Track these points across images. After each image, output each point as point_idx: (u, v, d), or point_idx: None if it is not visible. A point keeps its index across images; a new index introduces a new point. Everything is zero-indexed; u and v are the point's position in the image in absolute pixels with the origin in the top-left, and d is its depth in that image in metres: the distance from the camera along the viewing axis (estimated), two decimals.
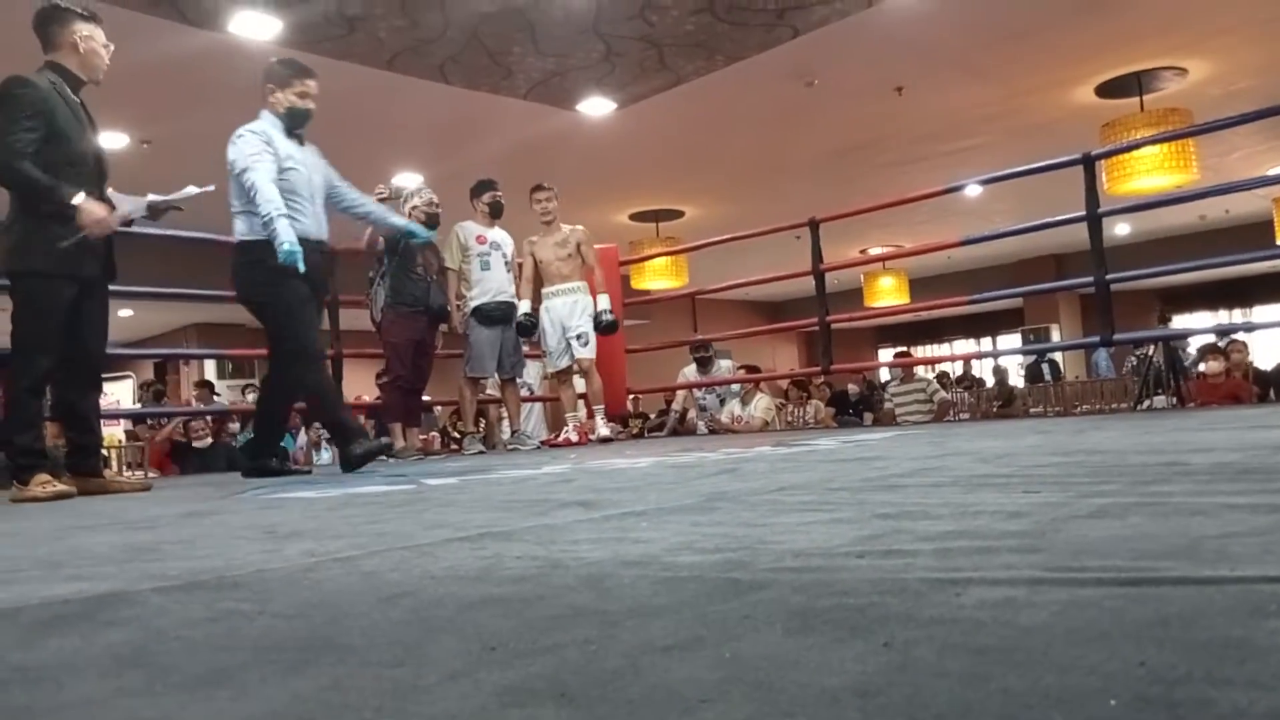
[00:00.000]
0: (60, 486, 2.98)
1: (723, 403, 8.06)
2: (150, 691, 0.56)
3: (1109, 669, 0.48)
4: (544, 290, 5.49)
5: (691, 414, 8.30)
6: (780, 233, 6.37)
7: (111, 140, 6.61)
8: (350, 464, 3.46)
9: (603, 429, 5.57)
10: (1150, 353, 7.71)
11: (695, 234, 10.20)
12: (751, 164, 9.13)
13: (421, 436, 7.71)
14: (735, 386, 7.96)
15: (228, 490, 2.97)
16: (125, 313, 10.07)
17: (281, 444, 7.44)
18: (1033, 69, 7.16)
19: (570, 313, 5.48)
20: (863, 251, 13.58)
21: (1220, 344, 7.43)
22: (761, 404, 7.61)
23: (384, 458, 3.50)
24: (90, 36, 3.12)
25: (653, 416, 9.94)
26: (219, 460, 6.64)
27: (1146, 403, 7.89)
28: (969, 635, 0.55)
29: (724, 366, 8.13)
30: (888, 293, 13.20)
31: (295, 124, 3.65)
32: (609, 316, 5.50)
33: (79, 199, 2.92)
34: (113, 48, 3.20)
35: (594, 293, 5.51)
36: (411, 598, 0.79)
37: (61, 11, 3.12)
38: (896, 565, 0.76)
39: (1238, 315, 15.28)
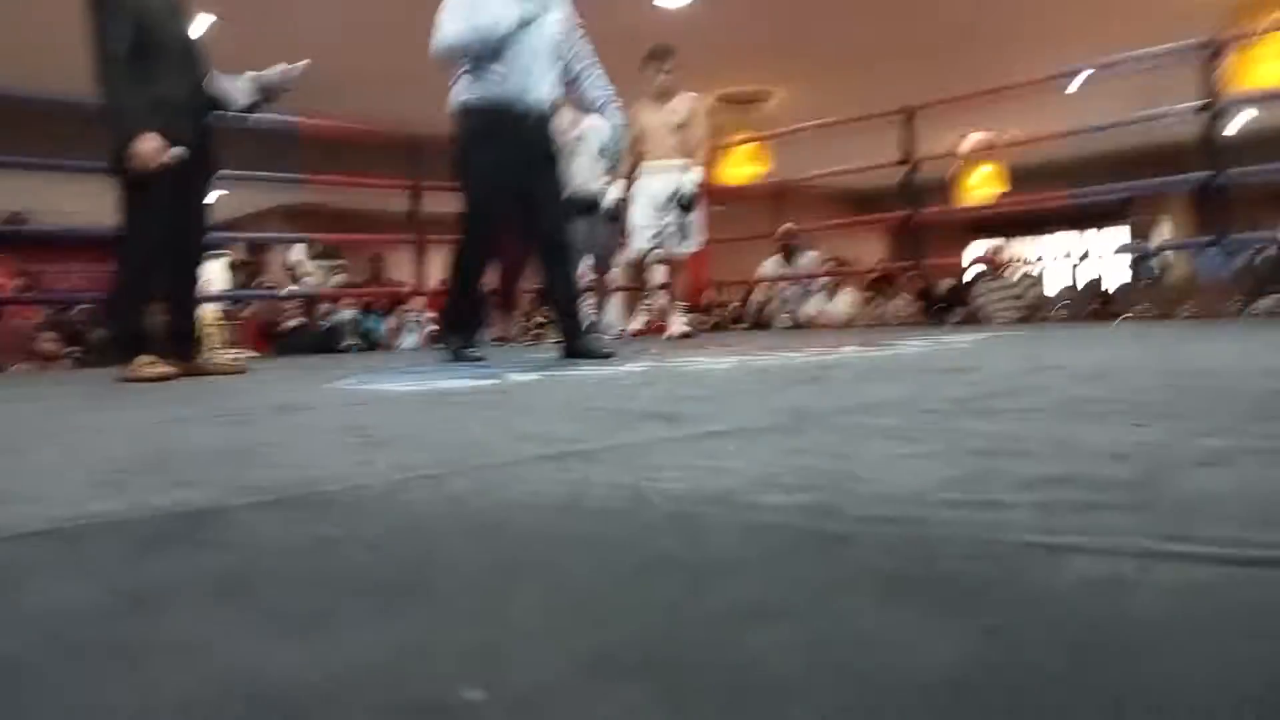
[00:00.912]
0: (163, 368, 3.09)
1: (806, 295, 7.95)
2: (246, 632, 0.57)
3: (1224, 670, 0.45)
4: (643, 164, 5.02)
5: (773, 305, 8.22)
6: (872, 119, 6.12)
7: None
8: (447, 356, 3.49)
9: (682, 325, 5.30)
10: (1267, 251, 7.28)
11: (784, 120, 9.86)
12: (840, 47, 8.72)
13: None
14: (820, 279, 7.83)
15: (317, 377, 3.06)
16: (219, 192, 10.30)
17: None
18: None
19: (669, 195, 4.98)
20: (962, 136, 12.97)
21: None
22: (846, 298, 7.48)
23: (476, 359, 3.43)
24: None
25: (733, 305, 9.86)
26: (306, 341, 6.84)
27: (1257, 303, 7.51)
28: (1073, 620, 0.52)
29: (810, 256, 7.99)
30: (985, 182, 12.66)
31: None
32: (688, 193, 4.98)
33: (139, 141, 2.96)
34: None
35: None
36: (497, 532, 0.79)
37: None
38: (992, 521, 0.73)
39: None
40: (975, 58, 8.98)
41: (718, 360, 3.03)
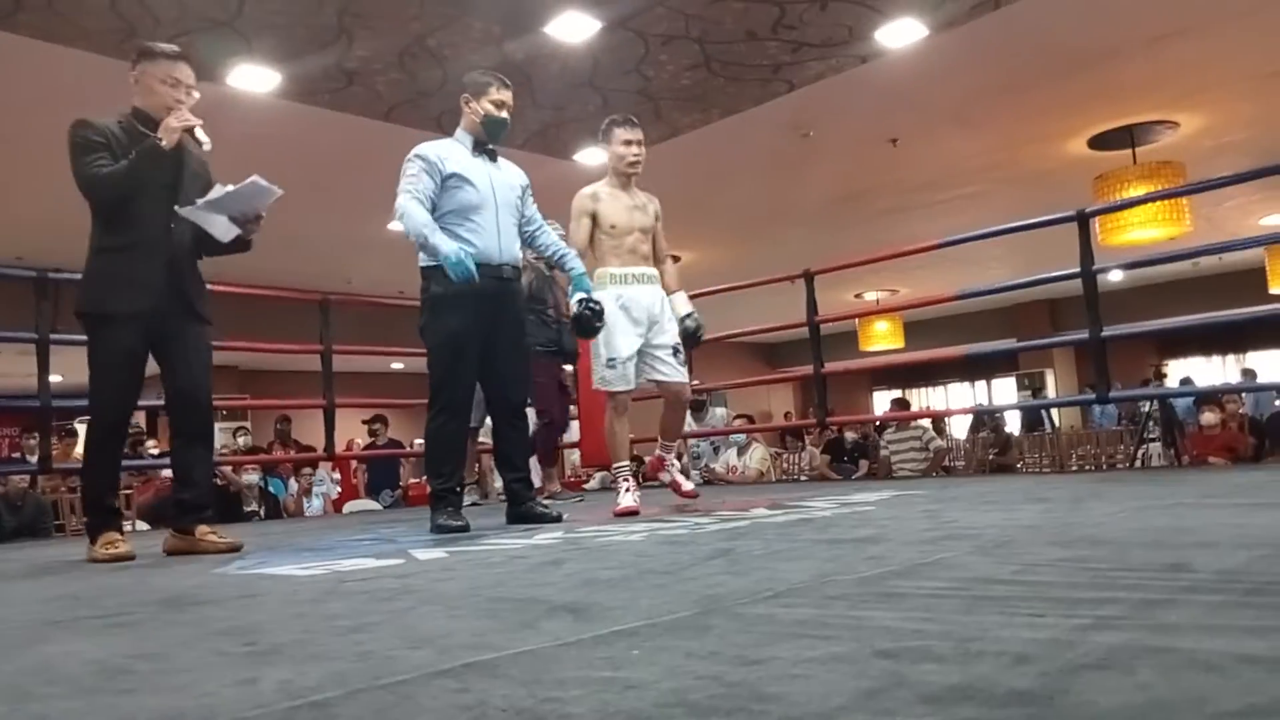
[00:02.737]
0: (122, 549, 2.89)
1: (717, 451, 8.03)
2: None
3: None
4: (611, 270, 3.79)
5: (684, 460, 8.26)
6: (776, 283, 6.37)
7: None
8: (432, 529, 3.34)
9: (685, 480, 4.13)
10: (1145, 407, 7.70)
11: (692, 278, 10.21)
12: (749, 212, 9.17)
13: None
14: (731, 434, 7.92)
15: (212, 558, 2.92)
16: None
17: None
18: (1025, 122, 7.23)
19: (657, 310, 3.82)
20: (858, 296, 13.63)
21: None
22: (757, 454, 7.58)
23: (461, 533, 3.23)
24: (143, 73, 3.04)
25: (646, 460, 9.88)
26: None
27: (1141, 451, 7.88)
28: None
29: (719, 414, 8.12)
30: (883, 336, 13.22)
31: (491, 134, 3.50)
32: (697, 320, 3.94)
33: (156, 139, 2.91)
34: (184, 81, 3.05)
35: (671, 289, 3.95)
36: None
37: (133, 57, 3.11)
38: None
39: (1231, 360, 15.33)
40: (869, 222, 9.55)
41: (628, 529, 3.00)
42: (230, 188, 3.04)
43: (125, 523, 6.92)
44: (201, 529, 3.11)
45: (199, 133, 3.03)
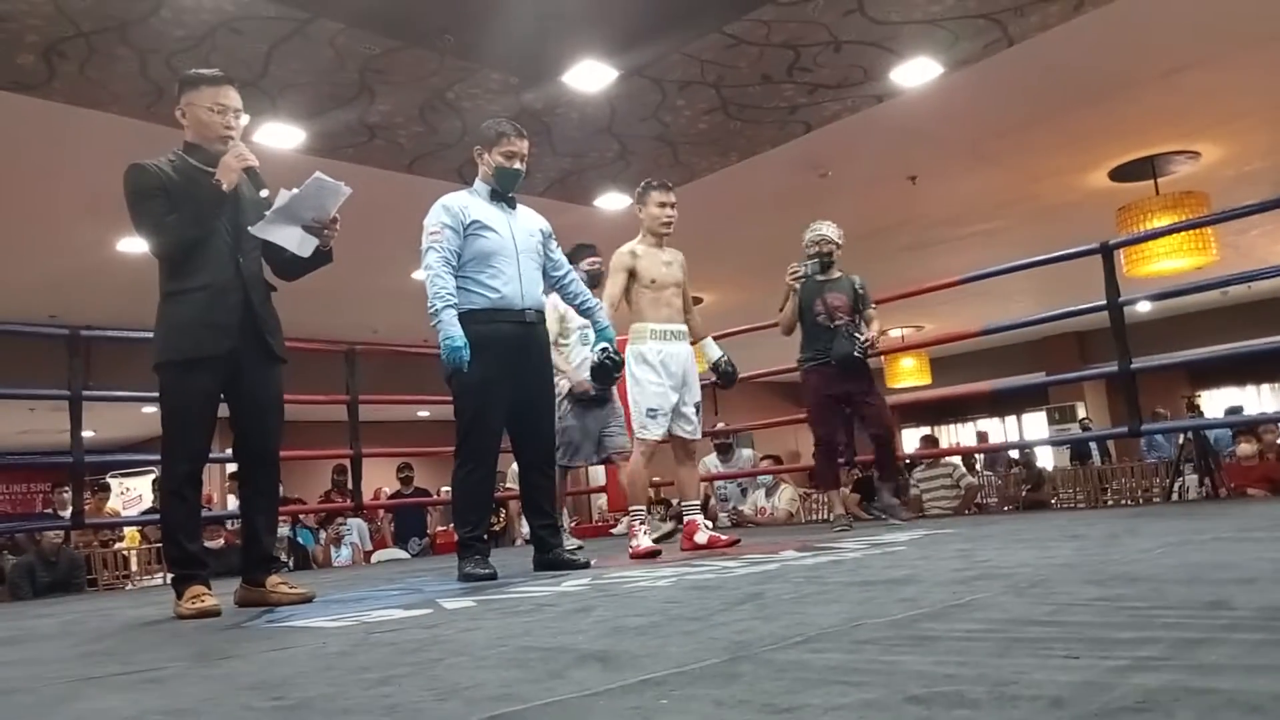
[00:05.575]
0: (208, 603, 2.80)
1: (744, 492, 7.97)
2: None
3: None
4: (652, 325, 4.02)
5: (712, 503, 8.21)
6: None
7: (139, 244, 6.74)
8: (460, 578, 3.36)
9: (720, 535, 4.13)
10: (1180, 441, 7.58)
11: (714, 319, 10.20)
12: (769, 252, 9.12)
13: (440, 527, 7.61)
14: (759, 475, 7.87)
15: (242, 611, 2.93)
16: (149, 409, 10.15)
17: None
18: (1044, 155, 7.23)
19: (689, 368, 4.08)
20: (882, 333, 13.54)
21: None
22: (786, 495, 7.52)
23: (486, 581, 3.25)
24: (189, 104, 2.93)
25: (674, 503, 9.83)
26: (231, 561, 6.58)
27: (1178, 483, 7.74)
28: None
29: (745, 455, 8.06)
30: (909, 373, 13.13)
31: (503, 185, 3.53)
32: (729, 363, 4.31)
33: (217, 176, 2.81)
34: (230, 106, 2.92)
35: (700, 334, 4.26)
36: None
37: (176, 88, 3.00)
38: None
39: (1265, 390, 15.10)
40: (890, 259, 9.53)
41: (656, 574, 2.98)
42: (295, 190, 2.86)
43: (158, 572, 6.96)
44: (272, 579, 3.06)
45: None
